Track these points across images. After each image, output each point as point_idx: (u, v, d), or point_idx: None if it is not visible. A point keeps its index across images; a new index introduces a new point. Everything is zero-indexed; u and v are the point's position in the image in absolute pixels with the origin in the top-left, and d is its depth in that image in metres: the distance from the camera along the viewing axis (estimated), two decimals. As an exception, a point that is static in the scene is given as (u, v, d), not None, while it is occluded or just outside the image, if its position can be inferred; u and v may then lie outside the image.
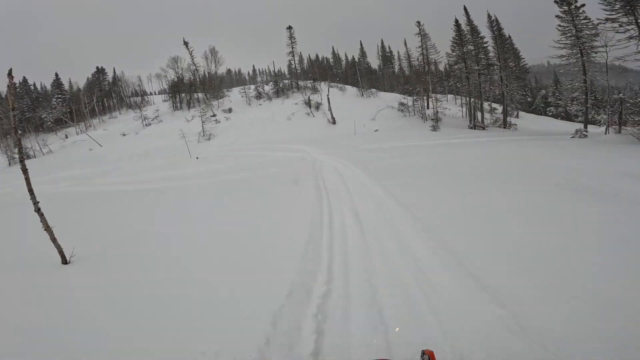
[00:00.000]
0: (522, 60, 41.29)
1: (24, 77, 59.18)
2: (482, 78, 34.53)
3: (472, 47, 34.93)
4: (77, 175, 22.08)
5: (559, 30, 27.42)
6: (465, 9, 34.37)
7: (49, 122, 49.63)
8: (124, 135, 38.65)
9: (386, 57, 58.59)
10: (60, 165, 29.65)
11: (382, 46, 58.92)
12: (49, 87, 57.39)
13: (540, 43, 35.94)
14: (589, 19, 25.95)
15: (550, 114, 54.89)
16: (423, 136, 25.53)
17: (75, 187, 17.85)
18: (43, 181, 20.15)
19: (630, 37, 20.94)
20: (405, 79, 56.37)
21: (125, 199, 12.37)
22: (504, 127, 34.05)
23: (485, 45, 34.85)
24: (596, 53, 24.90)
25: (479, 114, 35.10)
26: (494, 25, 35.54)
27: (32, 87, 59.62)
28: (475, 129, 32.73)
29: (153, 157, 26.81)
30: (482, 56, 34.36)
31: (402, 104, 38.31)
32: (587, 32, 25.52)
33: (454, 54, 36.52)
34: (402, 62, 56.72)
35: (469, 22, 34.82)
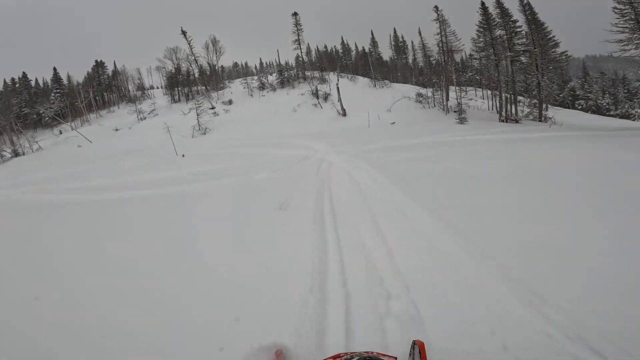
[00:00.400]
0: (552, 51, 34.91)
1: (24, 73, 56.27)
2: (515, 66, 29.51)
3: (502, 32, 29.98)
4: (40, 179, 18.17)
5: (615, 12, 22.60)
6: (496, -10, 29.33)
7: (47, 118, 46.47)
8: (116, 130, 34.90)
9: (399, 47, 53.54)
10: (39, 164, 25.96)
11: (395, 36, 53.87)
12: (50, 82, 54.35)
13: (558, 35, 30.79)
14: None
15: (579, 107, 49.47)
16: (451, 130, 20.93)
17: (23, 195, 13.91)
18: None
19: None
20: (420, 69, 51.51)
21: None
22: (540, 121, 29.17)
23: (519, 30, 29.84)
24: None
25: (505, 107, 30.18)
26: (527, 9, 30.43)
27: (32, 83, 56.74)
28: (507, 122, 27.90)
29: (138, 154, 22.83)
30: (517, 41, 29.35)
31: (419, 94, 33.65)
32: None
33: (480, 40, 31.59)
34: (417, 52, 51.72)
35: (499, 4, 29.70)
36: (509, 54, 29.35)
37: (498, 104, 31.22)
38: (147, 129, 32.01)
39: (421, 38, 46.64)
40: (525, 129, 21.43)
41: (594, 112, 48.01)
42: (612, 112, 47.97)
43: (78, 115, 45.66)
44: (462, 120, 25.64)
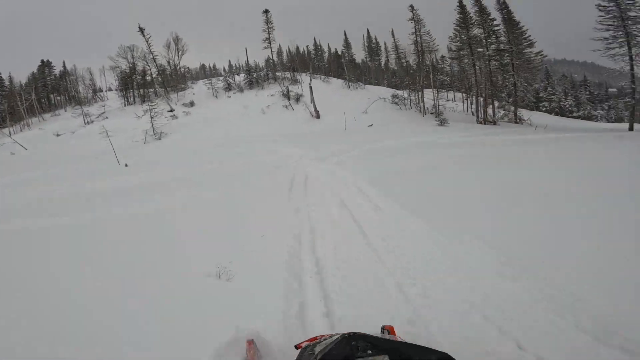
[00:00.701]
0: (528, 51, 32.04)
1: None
2: (493, 65, 28.06)
3: (480, 31, 28.37)
4: None
5: (600, 10, 21.68)
6: (473, -15, 27.62)
7: (-19, 123, 39.82)
8: (57, 135, 29.85)
9: (372, 48, 51.76)
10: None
11: (369, 37, 51.90)
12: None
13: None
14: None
15: (544, 109, 49.97)
16: (436, 131, 18.82)
17: None
18: None
19: None
20: (393, 71, 50.07)
21: None
22: (516, 122, 28.00)
23: (497, 29, 28.24)
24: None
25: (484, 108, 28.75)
26: (503, 7, 28.59)
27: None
28: (485, 124, 26.44)
29: (72, 163, 18.62)
30: (494, 40, 27.88)
31: (395, 96, 31.67)
32: (633, 13, 19.69)
33: (456, 39, 29.91)
34: (390, 54, 50.18)
35: (477, 1, 27.94)
36: (487, 52, 27.94)
37: (474, 105, 29.82)
38: (92, 134, 27.37)
39: (394, 39, 45.09)
40: (512, 130, 19.82)
41: (557, 113, 48.53)
42: (574, 114, 48.74)
43: (19, 119, 39.52)
44: (442, 122, 23.75)
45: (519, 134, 16.07)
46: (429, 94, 30.99)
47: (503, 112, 29.51)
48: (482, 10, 27.67)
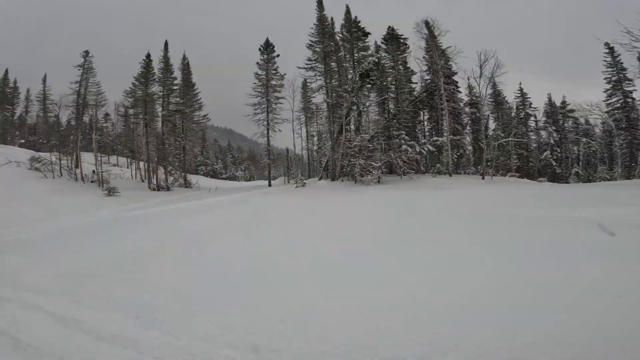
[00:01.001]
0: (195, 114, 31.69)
1: None
2: (166, 127, 27.85)
3: (160, 88, 27.49)
4: None
5: (256, 77, 26.58)
6: (166, 44, 27.60)
7: None
8: None
9: (6, 94, 36.13)
10: None
11: (5, 78, 35.82)
12: None
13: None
14: (277, 71, 26.45)
15: (202, 172, 55.79)
16: (105, 204, 15.86)
17: None
18: None
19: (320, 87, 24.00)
20: (32, 127, 37.66)
21: None
22: (186, 187, 29.64)
23: (176, 88, 28.58)
24: (276, 105, 26.46)
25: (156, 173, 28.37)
26: (185, 68, 29.77)
27: None
28: (159, 190, 25.94)
29: None
30: (170, 100, 27.90)
31: (37, 159, 23.81)
32: (274, 82, 26.33)
33: (132, 95, 27.55)
34: (33, 104, 37.69)
35: (166, 59, 27.52)
36: (162, 112, 27.49)
37: (145, 171, 28.56)
38: None
39: (44, 87, 34.57)
40: (194, 194, 20.74)
41: (212, 176, 55.58)
42: (224, 175, 58.46)
43: None
44: (111, 192, 20.42)
45: (206, 197, 17.27)
46: (89, 158, 26.15)
47: (173, 177, 30.49)
48: (167, 68, 27.41)
